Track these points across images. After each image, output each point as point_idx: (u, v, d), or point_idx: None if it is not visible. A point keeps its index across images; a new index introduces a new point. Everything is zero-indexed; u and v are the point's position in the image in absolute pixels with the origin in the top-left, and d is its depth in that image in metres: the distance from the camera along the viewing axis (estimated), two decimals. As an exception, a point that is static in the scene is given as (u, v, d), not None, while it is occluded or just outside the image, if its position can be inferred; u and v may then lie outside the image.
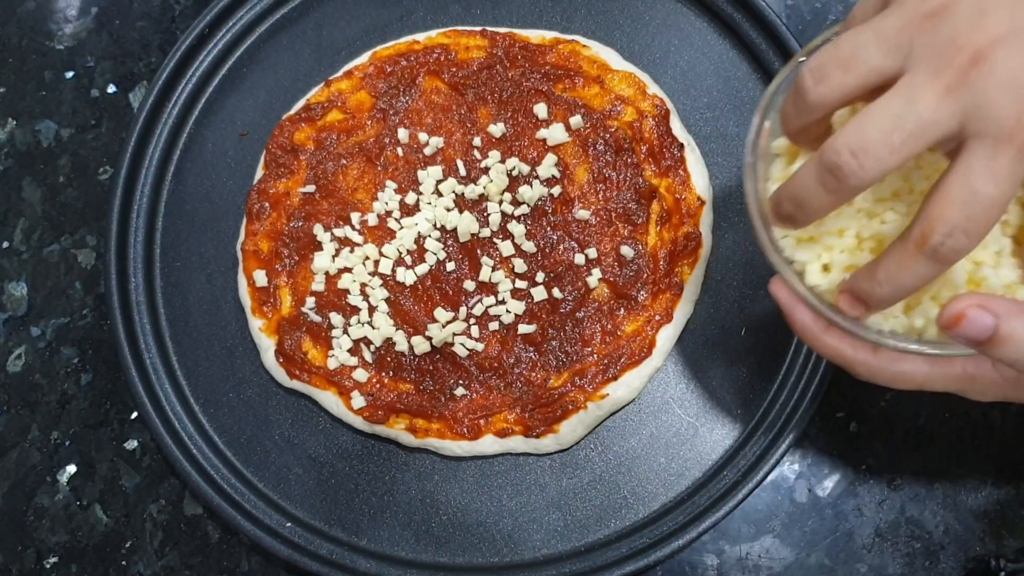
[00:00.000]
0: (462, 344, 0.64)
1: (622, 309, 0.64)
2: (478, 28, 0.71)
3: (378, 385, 0.64)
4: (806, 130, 0.45)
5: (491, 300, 0.65)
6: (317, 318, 0.65)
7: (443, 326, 0.64)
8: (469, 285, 0.65)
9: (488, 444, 0.62)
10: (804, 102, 0.43)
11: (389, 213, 0.67)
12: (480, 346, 0.64)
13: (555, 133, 0.67)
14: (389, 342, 0.64)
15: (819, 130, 0.46)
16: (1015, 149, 0.38)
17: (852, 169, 0.40)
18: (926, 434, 0.62)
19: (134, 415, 0.67)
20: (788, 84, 0.48)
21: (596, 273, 0.64)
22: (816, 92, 0.42)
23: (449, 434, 0.62)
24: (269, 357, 0.65)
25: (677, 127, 0.67)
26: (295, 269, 0.67)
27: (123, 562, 0.64)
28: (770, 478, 0.60)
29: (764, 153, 0.49)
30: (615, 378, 0.62)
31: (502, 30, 0.71)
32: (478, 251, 0.66)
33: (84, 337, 0.70)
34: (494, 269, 0.65)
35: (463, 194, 0.67)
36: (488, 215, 0.66)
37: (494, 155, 0.67)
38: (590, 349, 0.63)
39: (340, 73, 0.71)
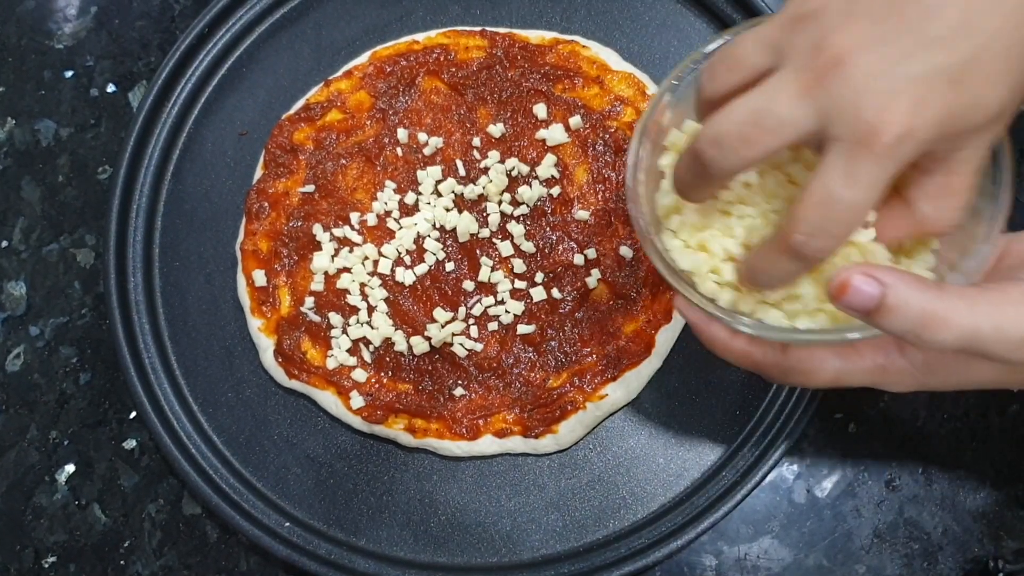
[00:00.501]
0: (461, 344, 0.64)
1: (621, 309, 0.64)
2: (478, 28, 0.71)
3: (377, 385, 0.64)
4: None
5: (490, 300, 0.65)
6: (316, 318, 0.65)
7: (442, 326, 0.64)
8: (468, 285, 0.65)
9: (487, 444, 0.62)
10: (700, 97, 0.46)
11: (388, 213, 0.67)
12: (479, 346, 0.64)
13: (554, 133, 0.67)
14: (388, 342, 0.64)
15: None
16: (872, 155, 0.39)
17: (712, 158, 0.42)
18: (925, 435, 0.62)
19: (133, 415, 0.67)
20: (654, 107, 0.50)
21: (595, 273, 0.64)
22: (708, 89, 0.45)
23: (448, 434, 0.62)
24: (268, 357, 0.65)
25: (676, 128, 0.67)
26: (294, 269, 0.67)
27: (121, 562, 0.64)
28: (769, 479, 0.60)
29: (650, 173, 0.50)
30: (614, 378, 0.62)
31: (502, 30, 0.71)
32: (477, 251, 0.66)
33: (83, 336, 0.70)
34: (493, 269, 0.65)
35: (462, 194, 0.67)
36: (487, 215, 0.66)
37: (493, 155, 0.67)
38: (589, 349, 0.63)
39: (340, 73, 0.71)
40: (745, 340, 0.49)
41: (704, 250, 0.49)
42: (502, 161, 0.67)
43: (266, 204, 0.68)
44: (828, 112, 0.39)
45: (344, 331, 0.65)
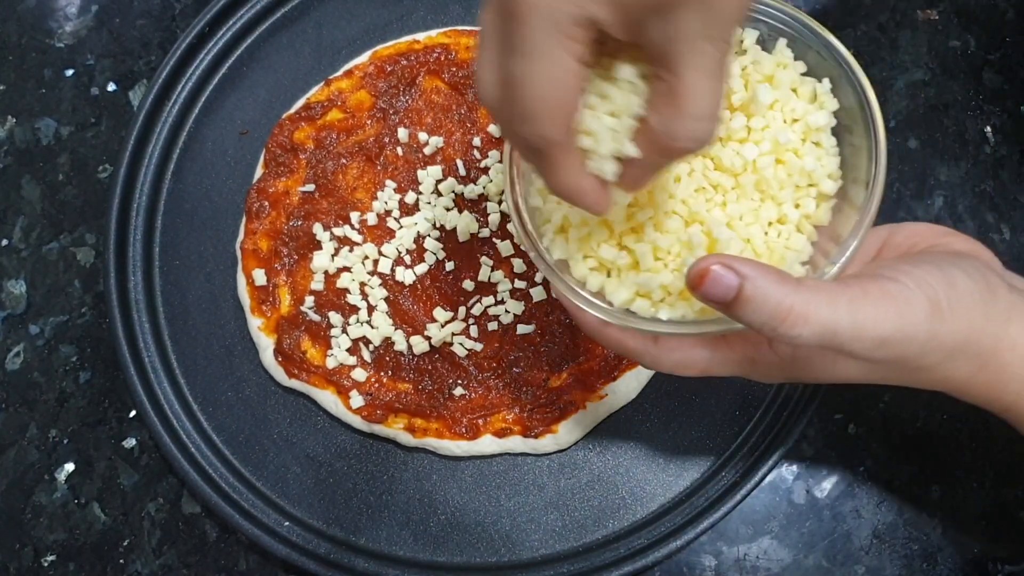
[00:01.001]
0: (461, 344, 0.64)
1: (621, 310, 0.64)
2: (478, 28, 0.71)
3: (377, 384, 0.64)
4: None
5: (490, 300, 0.65)
6: (316, 317, 0.65)
7: (442, 326, 0.64)
8: (468, 285, 0.65)
9: (486, 444, 0.62)
10: (488, 108, 0.42)
11: (388, 212, 0.67)
12: (479, 346, 0.64)
13: (555, 133, 0.67)
14: (388, 341, 0.64)
15: None
16: (517, 21, 0.37)
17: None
18: (924, 436, 0.62)
19: (132, 413, 0.67)
20: None
21: (595, 273, 0.64)
22: (482, 85, 0.42)
23: (448, 434, 0.62)
24: (268, 356, 0.65)
25: (677, 128, 0.67)
26: (294, 268, 0.67)
27: (121, 560, 0.64)
28: (768, 479, 0.60)
29: (522, 169, 0.50)
30: (613, 379, 0.62)
31: (502, 30, 0.71)
32: (477, 251, 0.66)
33: (83, 335, 0.70)
34: (493, 269, 0.65)
35: (463, 194, 0.67)
36: (487, 215, 0.66)
37: (494, 155, 0.67)
38: (589, 349, 0.63)
39: (340, 72, 0.71)
40: (616, 327, 0.48)
41: (584, 243, 0.49)
42: (502, 161, 0.67)
43: (266, 203, 0.68)
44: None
45: (344, 330, 0.65)
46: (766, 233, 0.48)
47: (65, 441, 0.67)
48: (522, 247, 0.50)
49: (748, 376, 0.49)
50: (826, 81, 0.49)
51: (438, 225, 0.67)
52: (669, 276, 0.47)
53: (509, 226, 0.65)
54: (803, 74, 0.50)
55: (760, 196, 0.48)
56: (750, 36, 0.50)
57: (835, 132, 0.49)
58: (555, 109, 0.39)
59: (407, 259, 0.66)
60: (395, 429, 0.63)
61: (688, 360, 0.48)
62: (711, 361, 0.48)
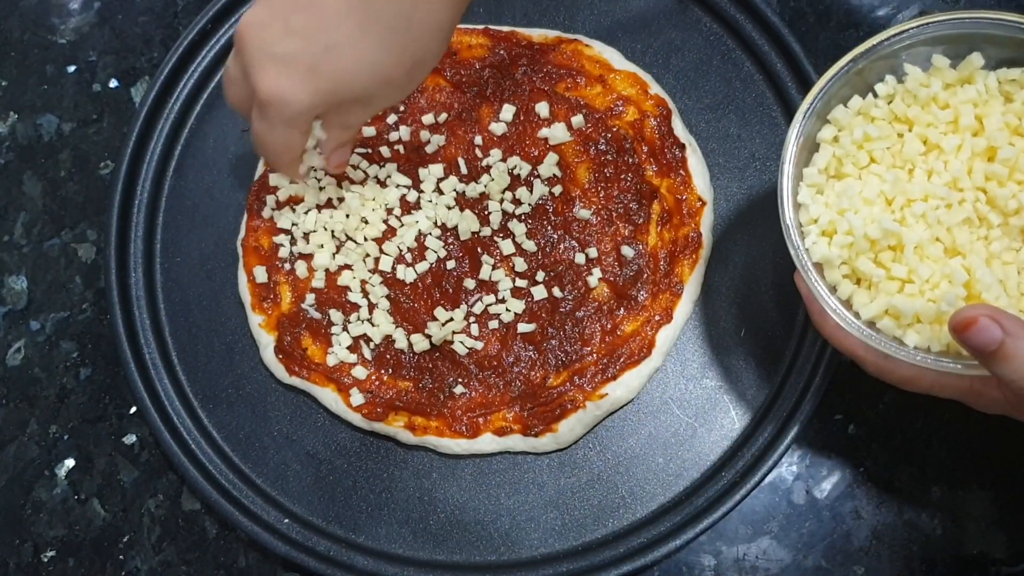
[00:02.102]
0: (461, 342, 0.64)
1: (622, 309, 0.64)
2: (481, 26, 0.71)
3: (377, 382, 0.64)
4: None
5: (491, 299, 0.65)
6: (317, 315, 0.65)
7: (443, 324, 0.64)
8: (469, 283, 0.65)
9: (486, 442, 0.62)
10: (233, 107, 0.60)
11: (390, 210, 0.67)
12: (479, 344, 0.64)
13: (557, 132, 0.67)
14: (389, 339, 0.64)
15: None
16: (262, 109, 0.54)
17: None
18: (924, 437, 0.62)
19: (133, 410, 0.67)
20: (841, 75, 0.52)
21: (596, 273, 0.64)
22: (231, 100, 0.59)
23: (448, 432, 0.62)
24: (268, 353, 0.65)
25: (679, 127, 0.67)
26: (295, 266, 0.67)
27: (120, 556, 0.64)
28: (768, 479, 0.60)
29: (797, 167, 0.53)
30: (614, 378, 0.62)
31: (505, 29, 0.71)
32: (478, 249, 0.66)
33: (84, 331, 0.70)
34: (494, 268, 0.65)
35: (464, 192, 0.67)
36: (489, 213, 0.66)
37: (495, 154, 0.67)
38: (589, 348, 0.63)
39: (342, 70, 0.71)
40: (854, 337, 0.50)
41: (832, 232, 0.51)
42: (504, 159, 0.67)
43: (268, 200, 0.68)
44: (244, 69, 0.53)
45: (345, 328, 0.65)
46: (1020, 272, 0.48)
47: (65, 437, 0.67)
48: (786, 238, 0.51)
49: (968, 403, 0.51)
50: None
51: (439, 223, 0.67)
52: (923, 303, 0.48)
53: (511, 224, 0.66)
54: None
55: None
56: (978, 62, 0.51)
57: None
58: (284, 155, 0.58)
59: (408, 257, 0.66)
60: (395, 427, 0.63)
61: (916, 378, 0.50)
62: (936, 382, 0.50)
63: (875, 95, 0.53)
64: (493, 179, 0.66)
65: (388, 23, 0.51)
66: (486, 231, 0.66)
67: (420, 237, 0.66)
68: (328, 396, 0.64)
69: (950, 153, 0.50)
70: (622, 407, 0.63)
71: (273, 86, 0.52)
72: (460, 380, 0.64)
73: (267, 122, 0.54)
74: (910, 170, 0.51)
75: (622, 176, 0.66)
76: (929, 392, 0.51)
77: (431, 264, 0.66)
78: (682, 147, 0.66)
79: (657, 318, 0.63)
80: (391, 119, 0.69)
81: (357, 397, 0.63)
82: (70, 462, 0.67)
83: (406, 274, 0.65)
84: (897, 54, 0.52)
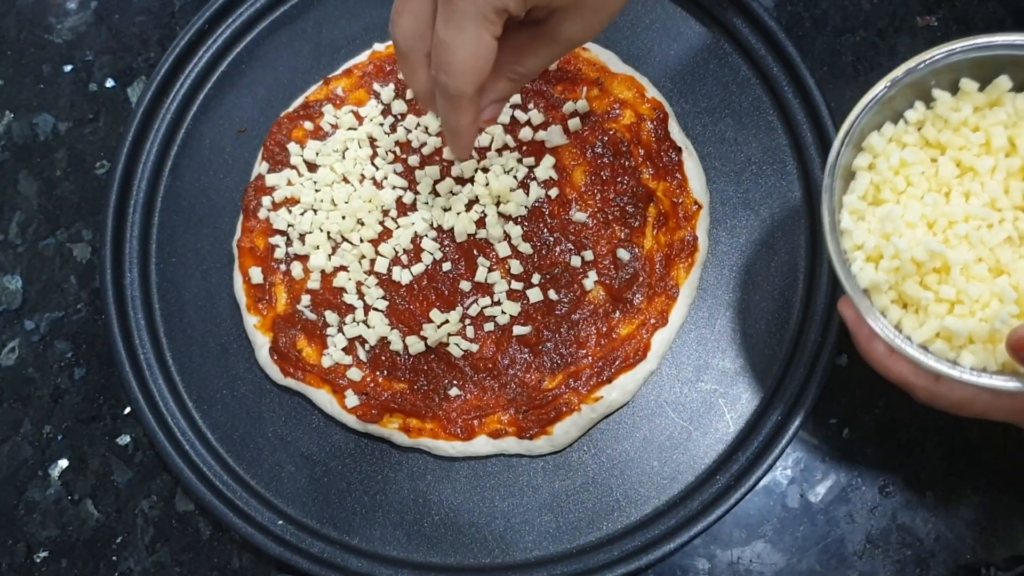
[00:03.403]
0: (457, 344, 0.64)
1: (617, 312, 0.64)
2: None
3: (372, 384, 0.64)
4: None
5: (487, 301, 0.65)
6: (312, 316, 0.65)
7: (438, 326, 0.64)
8: (465, 285, 0.65)
9: (481, 445, 0.62)
10: (398, 47, 0.52)
11: (386, 212, 0.67)
12: (475, 347, 0.64)
13: (553, 135, 0.67)
14: (384, 341, 0.64)
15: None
16: (452, 2, 0.46)
17: (445, 83, 0.49)
18: (918, 442, 0.62)
19: (127, 410, 0.67)
20: (874, 104, 0.52)
21: (592, 275, 0.64)
22: (399, 31, 0.51)
23: (442, 434, 0.62)
24: (263, 354, 0.65)
25: (675, 131, 0.67)
26: (291, 267, 0.67)
27: (113, 557, 0.64)
28: (762, 483, 0.60)
29: (843, 174, 0.53)
30: (609, 381, 0.62)
31: (502, 31, 0.71)
32: (474, 252, 0.66)
33: (78, 331, 0.69)
34: (490, 270, 0.65)
35: (460, 194, 0.67)
36: (485, 216, 0.66)
37: (492, 156, 0.67)
38: (585, 351, 0.63)
39: (339, 71, 0.71)
40: (905, 362, 0.50)
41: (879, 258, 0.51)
42: (500, 162, 0.67)
43: (264, 201, 0.68)
44: None
45: (340, 330, 0.65)
46: None
47: (59, 437, 0.67)
48: (834, 268, 0.51)
49: (1018, 424, 0.51)
50: None
51: (435, 225, 0.67)
52: (975, 323, 0.48)
53: (507, 227, 0.65)
54: None
55: None
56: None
57: None
58: (473, 72, 0.48)
59: (404, 259, 0.66)
60: (390, 429, 0.63)
61: (968, 402, 0.50)
62: (990, 406, 0.50)
63: (906, 121, 0.53)
64: (489, 182, 0.66)
65: None
66: (482, 233, 0.66)
67: (416, 239, 0.66)
68: (323, 398, 0.64)
69: (985, 174, 0.51)
70: (617, 410, 0.63)
71: None
72: (455, 382, 0.64)
73: (456, 20, 0.46)
74: (946, 193, 0.51)
75: (618, 179, 0.66)
76: (983, 416, 0.50)
77: (427, 266, 0.66)
78: (678, 150, 0.66)
79: (653, 321, 0.63)
80: (388, 120, 0.69)
81: (352, 399, 0.63)
82: (64, 462, 0.67)
83: (402, 276, 0.65)
84: (925, 80, 0.53)
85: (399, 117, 0.69)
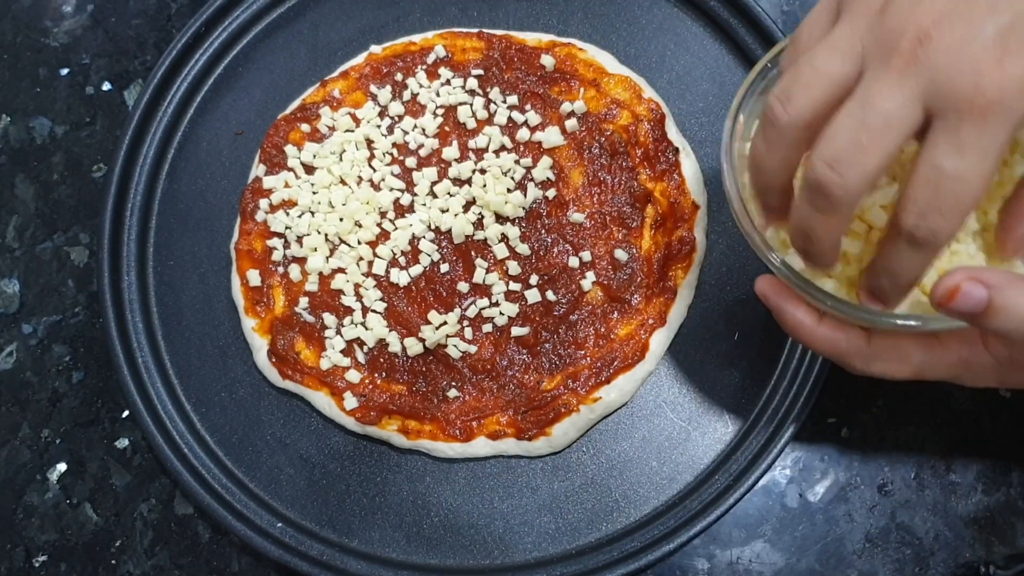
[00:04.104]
0: (455, 346, 0.64)
1: (616, 312, 0.64)
2: (475, 30, 0.71)
3: (371, 386, 0.64)
4: (779, 189, 0.45)
5: (485, 302, 0.65)
6: (310, 318, 0.65)
7: (436, 328, 0.64)
8: (463, 287, 0.65)
9: (480, 446, 0.62)
10: (776, 128, 0.43)
11: (384, 214, 0.67)
12: (473, 348, 0.64)
13: (551, 136, 0.67)
14: (382, 343, 0.64)
15: (788, 198, 0.46)
16: (976, 117, 0.37)
17: (834, 181, 0.40)
18: (917, 440, 0.62)
19: (125, 414, 0.67)
20: (762, 80, 0.50)
21: (590, 276, 0.64)
22: (787, 115, 0.42)
23: (441, 436, 0.62)
24: (261, 357, 0.65)
25: (672, 131, 0.67)
26: (289, 269, 0.67)
27: (113, 561, 0.64)
28: (761, 483, 0.61)
29: (740, 153, 0.50)
30: (608, 381, 0.62)
31: (499, 32, 0.71)
32: (472, 253, 0.66)
33: (76, 335, 0.69)
34: (488, 271, 0.65)
35: (458, 195, 0.67)
36: (483, 217, 0.66)
37: (490, 157, 0.67)
38: (583, 352, 0.63)
39: (336, 73, 0.71)
40: (830, 326, 0.48)
41: None
42: (498, 163, 0.67)
43: (261, 203, 0.68)
44: (928, 90, 0.38)
45: (338, 332, 0.65)
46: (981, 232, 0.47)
47: (57, 441, 0.67)
48: (742, 229, 0.49)
49: (959, 380, 0.49)
50: None
51: (433, 227, 0.67)
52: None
53: (505, 228, 0.65)
54: None
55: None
56: None
57: None
58: (973, 205, 0.39)
59: (402, 261, 0.66)
60: (389, 431, 0.63)
61: (902, 360, 0.48)
62: (925, 363, 0.48)
63: None
64: (487, 183, 0.66)
65: None
66: (480, 235, 0.66)
67: (414, 240, 0.66)
68: (321, 400, 0.64)
69: None
70: (616, 411, 0.63)
71: (1004, 70, 0.37)
72: (454, 384, 0.64)
73: (972, 145, 0.38)
74: None
75: (616, 180, 0.66)
76: (922, 375, 0.49)
77: (425, 267, 0.66)
78: (676, 151, 0.66)
79: (651, 322, 0.63)
80: (385, 122, 0.69)
81: (351, 401, 0.63)
82: (62, 466, 0.66)
83: (400, 277, 0.65)
84: None
85: (396, 119, 0.69)
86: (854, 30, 0.41)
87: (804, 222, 0.43)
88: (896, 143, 0.39)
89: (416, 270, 0.66)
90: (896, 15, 0.39)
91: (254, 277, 0.66)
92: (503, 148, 0.68)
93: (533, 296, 0.64)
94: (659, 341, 0.63)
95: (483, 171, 0.67)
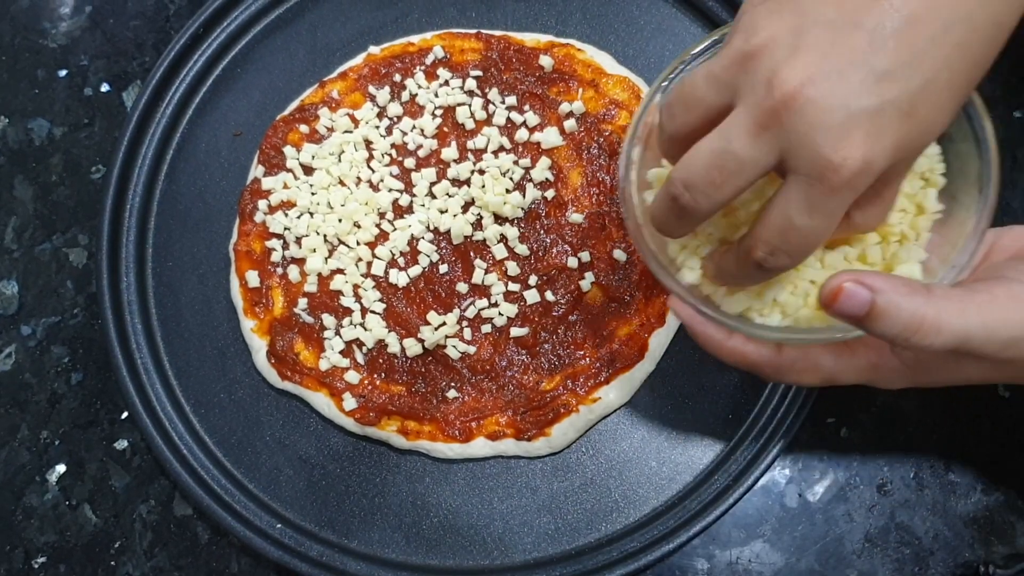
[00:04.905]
0: (454, 346, 0.64)
1: (614, 312, 0.64)
2: (473, 31, 0.71)
3: (370, 387, 0.64)
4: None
5: (484, 303, 0.65)
6: (309, 319, 0.65)
7: (435, 328, 0.64)
8: (462, 287, 0.65)
9: (479, 446, 0.62)
10: (664, 136, 0.45)
11: (383, 214, 0.67)
12: (472, 349, 0.64)
13: (549, 136, 0.67)
14: (381, 344, 0.64)
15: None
16: (831, 189, 0.39)
17: (687, 202, 0.42)
18: (916, 440, 0.62)
19: (124, 415, 0.67)
20: (644, 109, 0.51)
21: (589, 276, 0.64)
22: (669, 128, 0.45)
23: (441, 436, 0.62)
24: (261, 358, 0.65)
25: (671, 131, 0.67)
26: (288, 270, 0.67)
27: (112, 562, 0.64)
28: (761, 483, 0.61)
29: (642, 173, 0.51)
30: (607, 382, 0.62)
31: (497, 33, 0.71)
32: (471, 253, 0.66)
33: (75, 336, 0.69)
34: (487, 272, 0.65)
35: (457, 196, 0.67)
36: (482, 218, 0.66)
37: (488, 158, 0.67)
38: (582, 352, 0.63)
39: (335, 74, 0.71)
40: (740, 339, 0.49)
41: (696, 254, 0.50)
42: (497, 164, 0.67)
43: (260, 204, 0.68)
44: (786, 148, 0.39)
45: (337, 333, 0.65)
46: (879, 244, 0.48)
47: (56, 442, 0.67)
48: (648, 265, 0.50)
49: (871, 383, 0.50)
50: None
51: (432, 227, 0.67)
52: (785, 294, 0.47)
53: (504, 228, 0.65)
54: None
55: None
56: None
57: (937, 140, 0.49)
58: (813, 250, 0.42)
59: (401, 261, 0.66)
60: (388, 431, 0.63)
61: (813, 368, 0.49)
62: (834, 368, 0.49)
63: None
64: (485, 183, 0.66)
65: (979, 27, 0.40)
66: (479, 235, 0.66)
67: (413, 241, 0.66)
68: (321, 401, 0.64)
69: None
70: (615, 411, 0.63)
71: (859, 152, 0.38)
72: (453, 384, 0.64)
73: (821, 209, 0.40)
74: None
75: (614, 180, 0.66)
76: (834, 381, 0.50)
77: (424, 268, 0.66)
78: (674, 151, 0.66)
79: (650, 322, 0.63)
80: (384, 123, 0.69)
81: (350, 402, 0.63)
82: (61, 468, 0.66)
83: (399, 278, 0.65)
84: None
85: (395, 120, 0.69)
86: (731, 64, 0.41)
87: (661, 216, 0.46)
88: (745, 183, 0.41)
89: (415, 271, 0.66)
90: (769, 62, 0.40)
91: (253, 278, 0.66)
92: (502, 149, 0.68)
93: (532, 296, 0.64)
94: (658, 341, 0.63)
95: (482, 172, 0.67)
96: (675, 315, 0.51)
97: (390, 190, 0.67)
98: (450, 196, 0.67)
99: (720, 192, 0.42)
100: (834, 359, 0.49)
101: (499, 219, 0.66)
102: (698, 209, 0.43)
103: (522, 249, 0.65)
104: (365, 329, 0.65)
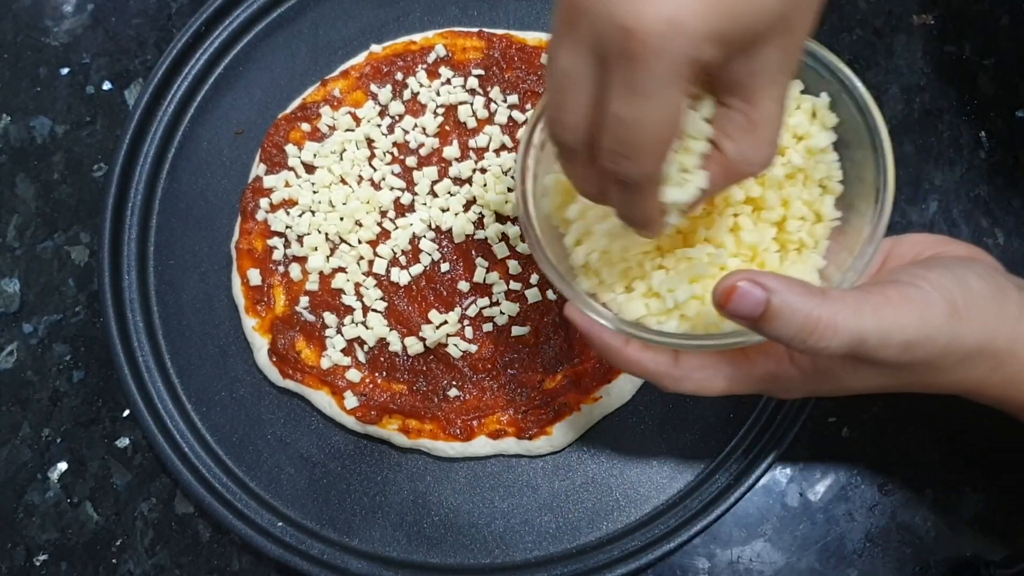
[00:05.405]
0: (456, 345, 0.64)
1: (616, 312, 0.64)
2: (475, 29, 0.71)
3: (371, 385, 0.64)
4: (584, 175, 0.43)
5: (485, 301, 0.65)
6: (311, 318, 0.65)
7: (437, 327, 0.64)
8: (463, 286, 0.65)
9: (480, 445, 0.62)
10: (559, 149, 0.41)
11: (384, 213, 0.67)
12: (474, 347, 0.64)
13: (551, 135, 0.67)
14: (383, 342, 0.64)
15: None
16: (634, 61, 0.35)
17: (557, 137, 0.40)
18: (917, 440, 0.62)
19: (126, 413, 0.67)
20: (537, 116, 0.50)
21: (590, 275, 0.64)
22: (564, 127, 0.40)
23: (442, 435, 0.62)
24: (262, 356, 0.65)
25: (673, 131, 0.67)
26: (289, 268, 0.67)
27: (113, 560, 0.64)
28: (762, 482, 0.61)
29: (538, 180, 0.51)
30: (608, 380, 0.62)
31: (499, 31, 0.71)
32: (473, 252, 0.66)
33: (76, 334, 0.69)
34: (488, 270, 0.65)
35: (458, 195, 0.67)
36: (483, 217, 0.66)
37: (490, 156, 0.67)
38: (583, 351, 0.63)
39: (336, 73, 0.71)
40: (638, 347, 0.48)
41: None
42: (499, 162, 0.67)
43: (261, 203, 0.68)
44: (591, 37, 0.36)
45: (339, 331, 0.65)
46: (777, 252, 0.48)
47: (58, 440, 0.67)
48: (544, 271, 0.49)
49: (770, 393, 0.49)
50: (824, 95, 0.49)
51: (433, 226, 0.67)
52: (684, 294, 0.47)
53: (505, 227, 0.65)
54: (801, 92, 0.50)
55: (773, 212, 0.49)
56: None
57: (835, 147, 0.49)
58: (661, 147, 0.37)
59: (402, 260, 0.66)
60: (389, 430, 0.63)
61: (711, 378, 0.48)
62: (732, 379, 0.48)
63: None
64: (486, 184, 0.66)
65: None
66: (480, 234, 0.66)
67: (414, 239, 0.66)
68: (322, 399, 0.64)
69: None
70: (616, 410, 0.63)
71: (659, 10, 0.34)
72: (454, 383, 0.64)
73: (641, 87, 0.35)
74: None
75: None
76: (730, 391, 0.48)
77: (425, 267, 0.66)
78: (676, 150, 0.66)
79: (651, 321, 0.63)
80: (385, 121, 0.69)
81: (351, 400, 0.63)
82: (63, 465, 0.66)
83: (400, 277, 0.65)
84: None
85: (396, 118, 0.69)
86: (559, 23, 0.38)
87: (564, 169, 0.43)
88: (588, 96, 0.37)
89: (416, 269, 0.66)
90: None
91: (255, 276, 0.66)
92: (503, 147, 0.68)
93: (533, 295, 0.64)
94: (659, 340, 0.63)
95: (483, 170, 0.67)
96: (572, 323, 0.49)
97: (391, 188, 0.67)
98: (452, 195, 0.67)
99: (567, 114, 0.38)
100: (733, 369, 0.48)
101: (500, 218, 0.66)
102: (565, 140, 0.39)
103: (523, 248, 0.65)
104: (366, 327, 0.65)
